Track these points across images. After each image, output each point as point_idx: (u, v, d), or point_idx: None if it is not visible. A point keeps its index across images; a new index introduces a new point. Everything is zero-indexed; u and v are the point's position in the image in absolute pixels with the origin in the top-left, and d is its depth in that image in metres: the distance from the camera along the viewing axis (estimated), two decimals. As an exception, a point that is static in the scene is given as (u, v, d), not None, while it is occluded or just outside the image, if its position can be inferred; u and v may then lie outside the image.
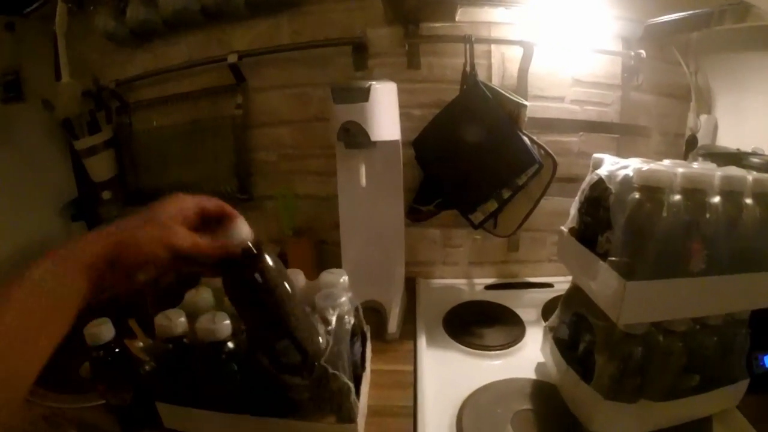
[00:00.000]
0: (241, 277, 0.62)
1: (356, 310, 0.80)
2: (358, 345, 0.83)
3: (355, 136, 0.93)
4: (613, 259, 0.71)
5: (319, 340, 0.70)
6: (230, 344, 0.76)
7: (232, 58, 1.24)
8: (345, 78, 1.20)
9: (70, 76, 1.39)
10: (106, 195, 1.50)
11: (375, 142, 0.94)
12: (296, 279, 0.84)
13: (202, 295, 0.86)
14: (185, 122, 1.38)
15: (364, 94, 0.93)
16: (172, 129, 1.41)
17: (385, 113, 0.95)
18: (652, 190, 0.67)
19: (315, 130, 1.29)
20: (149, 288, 1.29)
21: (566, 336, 0.92)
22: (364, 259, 0.97)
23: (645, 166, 0.70)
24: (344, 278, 0.83)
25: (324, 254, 1.26)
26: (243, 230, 0.62)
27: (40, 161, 1.51)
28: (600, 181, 0.79)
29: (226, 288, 0.64)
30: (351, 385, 0.73)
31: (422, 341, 1.02)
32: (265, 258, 0.63)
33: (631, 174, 0.71)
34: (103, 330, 0.80)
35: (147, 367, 0.99)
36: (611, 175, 0.76)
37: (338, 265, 0.96)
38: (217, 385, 0.78)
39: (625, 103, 1.24)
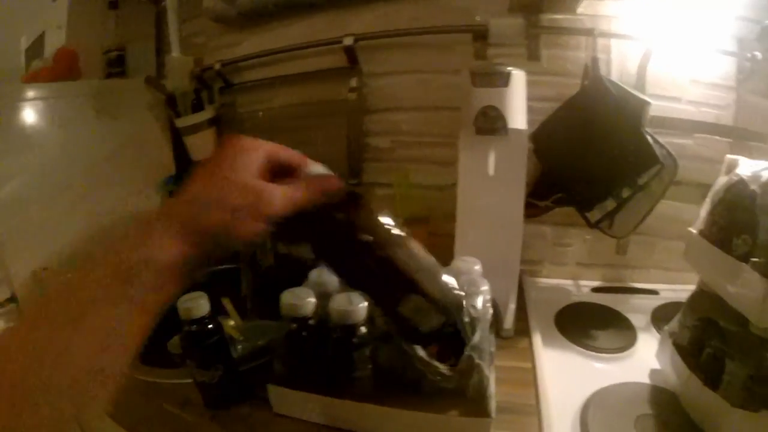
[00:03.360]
0: (348, 226, 0.55)
1: (493, 300, 0.82)
2: (492, 338, 0.85)
3: (493, 122, 0.95)
4: (757, 260, 0.71)
5: (455, 294, 0.66)
6: (363, 329, 0.77)
7: (348, 41, 1.29)
8: (465, 65, 1.22)
9: (177, 54, 1.46)
10: (205, 173, 1.57)
11: (507, 130, 0.95)
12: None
13: (329, 276, 0.87)
14: (294, 104, 1.45)
15: (505, 79, 0.95)
16: (280, 110, 1.47)
17: (519, 101, 0.98)
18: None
19: (434, 118, 1.33)
20: (245, 268, 1.34)
21: (686, 342, 0.92)
22: (478, 253, 0.98)
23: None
24: (478, 266, 0.85)
25: (434, 246, 1.27)
26: (323, 173, 0.57)
27: (141, 136, 1.63)
28: (739, 183, 0.80)
29: (323, 247, 0.58)
30: (490, 377, 0.74)
31: (537, 339, 1.05)
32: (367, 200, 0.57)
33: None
34: (199, 304, 0.83)
35: (240, 347, 1.03)
36: (754, 176, 0.77)
37: (449, 258, 0.98)
38: (345, 371, 0.80)
39: (740, 107, 1.23)
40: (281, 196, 0.50)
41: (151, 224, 0.47)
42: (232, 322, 1.21)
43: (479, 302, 0.75)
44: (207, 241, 0.47)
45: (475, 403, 0.75)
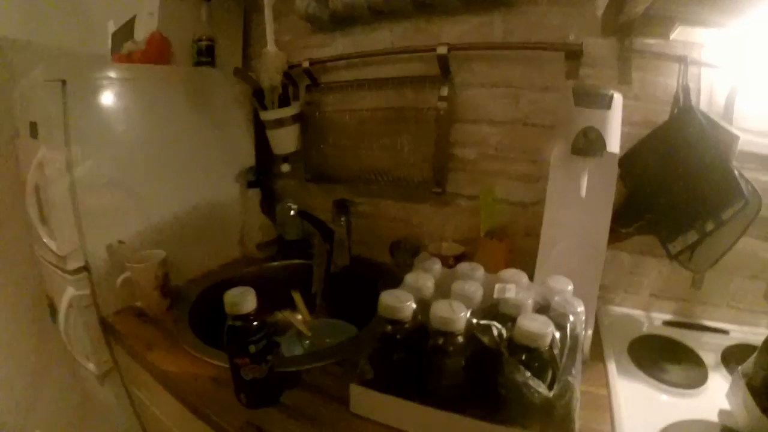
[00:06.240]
0: None
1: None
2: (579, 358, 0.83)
3: (592, 143, 0.94)
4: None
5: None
6: (461, 338, 0.76)
7: (442, 50, 1.28)
8: (555, 83, 1.24)
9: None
10: (285, 168, 1.61)
11: (603, 153, 0.94)
12: (521, 279, 0.85)
13: (426, 282, 0.87)
14: (381, 108, 1.45)
15: (607, 102, 0.95)
16: (368, 113, 1.48)
17: (616, 125, 0.97)
18: None
19: (521, 133, 1.32)
20: (318, 265, 1.35)
21: (760, 383, 0.89)
22: (558, 273, 0.96)
23: None
24: (571, 287, 0.83)
25: (513, 263, 1.26)
26: None
27: (225, 125, 1.65)
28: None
29: None
30: (578, 398, 0.72)
31: (612, 367, 1.04)
32: None
33: None
34: (247, 300, 0.82)
35: (307, 343, 1.02)
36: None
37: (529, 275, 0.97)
38: (435, 378, 0.79)
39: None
40: None
41: None
42: (300, 317, 1.22)
43: (576, 323, 0.73)
44: None
45: (561, 422, 0.73)
